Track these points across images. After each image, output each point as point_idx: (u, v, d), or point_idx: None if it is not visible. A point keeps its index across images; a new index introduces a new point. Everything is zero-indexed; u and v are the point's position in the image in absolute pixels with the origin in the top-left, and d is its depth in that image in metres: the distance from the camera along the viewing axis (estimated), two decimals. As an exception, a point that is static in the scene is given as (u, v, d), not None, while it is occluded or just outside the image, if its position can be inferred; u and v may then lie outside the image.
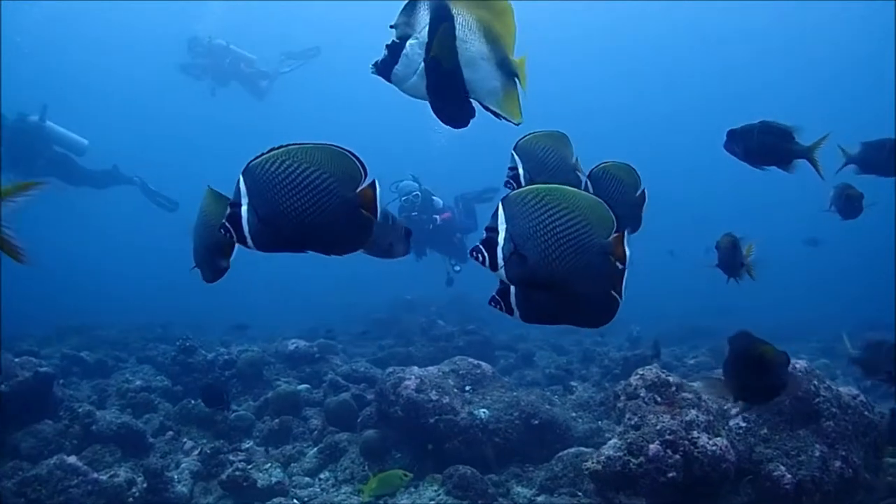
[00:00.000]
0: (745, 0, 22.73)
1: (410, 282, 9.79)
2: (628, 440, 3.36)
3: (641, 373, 3.65)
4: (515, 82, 2.12)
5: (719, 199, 26.26)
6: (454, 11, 2.02)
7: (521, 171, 2.42)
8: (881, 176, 4.11)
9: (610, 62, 27.87)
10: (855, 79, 24.66)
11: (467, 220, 8.40)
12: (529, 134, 2.46)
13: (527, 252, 1.91)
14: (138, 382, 6.42)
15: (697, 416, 3.49)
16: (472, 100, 2.15)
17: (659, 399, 3.58)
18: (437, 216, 7.97)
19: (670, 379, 3.65)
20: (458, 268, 8.28)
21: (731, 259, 3.76)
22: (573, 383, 5.96)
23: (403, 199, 7.94)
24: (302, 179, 1.91)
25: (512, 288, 2.05)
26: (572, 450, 4.64)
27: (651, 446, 3.29)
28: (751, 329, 3.19)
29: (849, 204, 4.36)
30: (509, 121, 2.14)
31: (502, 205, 1.93)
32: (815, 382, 3.85)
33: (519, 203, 1.91)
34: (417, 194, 7.91)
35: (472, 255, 1.98)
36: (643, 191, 2.52)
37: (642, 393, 3.57)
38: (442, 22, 2.01)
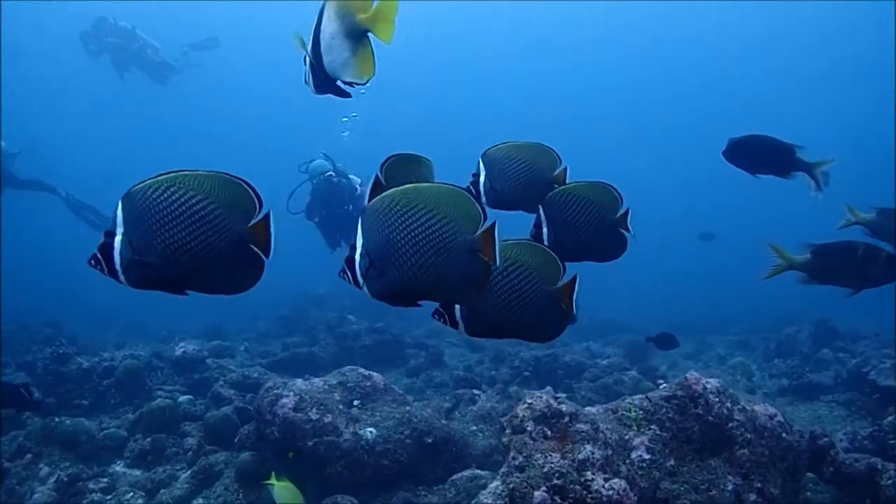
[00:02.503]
0: (745, 0, 22.31)
1: (323, 274, 9.06)
2: (510, 485, 2.79)
3: (530, 402, 3.07)
4: (367, 39, 2.09)
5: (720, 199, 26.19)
6: (325, 7, 2.08)
7: (481, 178, 2.38)
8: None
9: (609, 63, 27.42)
10: (855, 79, 24.39)
11: None
12: (501, 143, 2.40)
13: (382, 264, 1.75)
14: (4, 395, 5.65)
15: (593, 453, 2.94)
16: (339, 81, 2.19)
17: (549, 433, 3.01)
18: (358, 186, 7.25)
19: (563, 408, 3.08)
20: None
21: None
22: (476, 391, 5.39)
23: (316, 181, 7.15)
24: (187, 209, 1.67)
25: None
26: (467, 473, 4.07)
27: (536, 493, 2.72)
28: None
29: None
30: (357, 83, 2.15)
31: (360, 218, 1.79)
32: (729, 404, 3.34)
33: (373, 214, 1.75)
34: (332, 174, 7.12)
35: (340, 275, 1.84)
36: (627, 211, 2.34)
37: (529, 426, 3.00)
38: (316, 26, 2.09)
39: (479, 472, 4.09)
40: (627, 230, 2.36)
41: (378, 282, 1.79)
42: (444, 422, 4.53)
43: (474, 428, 4.84)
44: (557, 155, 2.43)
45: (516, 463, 2.89)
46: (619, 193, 2.33)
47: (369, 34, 2.07)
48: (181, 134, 29.09)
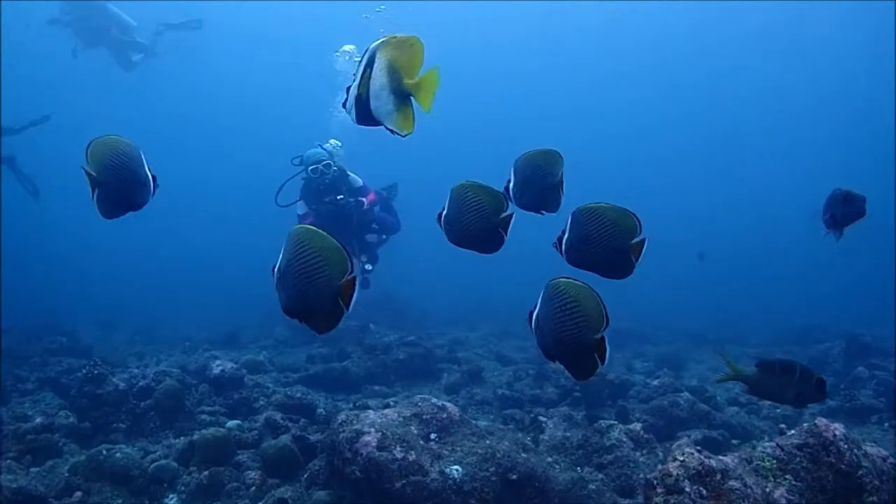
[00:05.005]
0: (745, 0, 21.99)
1: None
2: (681, 556, 2.53)
3: (682, 459, 2.80)
4: (410, 101, 2.37)
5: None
6: (377, 56, 2.34)
7: (511, 184, 2.75)
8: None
9: (609, 64, 27.06)
10: (855, 80, 24.16)
11: (392, 217, 7.23)
12: (526, 152, 2.74)
13: (281, 283, 2.11)
14: (38, 420, 5.19)
15: (751, 514, 2.70)
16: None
17: (705, 492, 2.75)
18: (364, 199, 6.72)
19: (714, 464, 2.83)
20: (369, 266, 6.92)
21: None
22: (542, 418, 5.10)
23: (311, 168, 6.55)
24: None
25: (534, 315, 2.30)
26: (560, 513, 3.80)
27: (712, 566, 2.47)
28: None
29: (848, 206, 3.74)
30: (398, 134, 2.39)
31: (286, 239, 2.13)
32: (856, 451, 3.17)
33: (288, 239, 2.10)
34: (329, 163, 6.54)
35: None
36: (643, 241, 2.47)
37: (686, 486, 2.73)
38: (366, 67, 2.36)
39: (573, 512, 3.82)
40: (637, 258, 2.48)
41: (280, 296, 2.13)
42: (524, 455, 4.24)
43: (550, 459, 4.55)
44: (561, 159, 2.72)
45: (679, 529, 2.63)
46: (639, 222, 2.45)
47: (411, 97, 2.37)
48: (166, 127, 28.33)
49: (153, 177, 2.51)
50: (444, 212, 2.67)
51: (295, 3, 23.91)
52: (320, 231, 2.10)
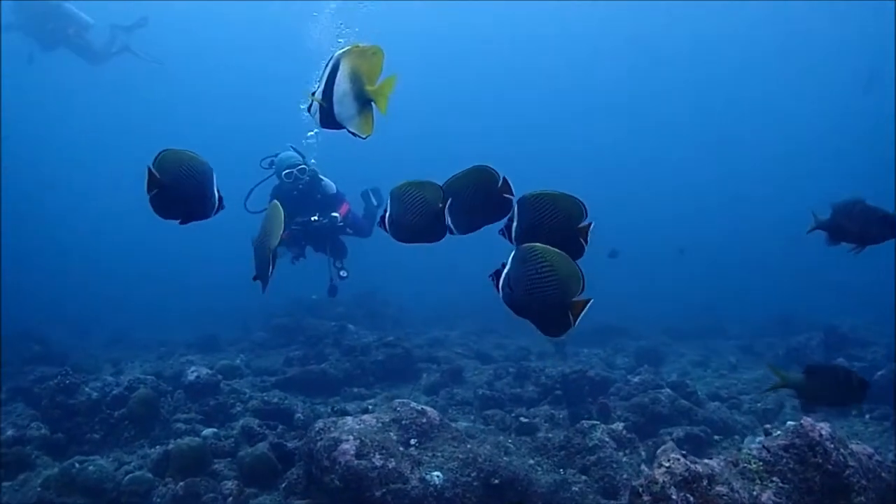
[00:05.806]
0: (743, 0, 21.86)
1: (312, 280, 8.36)
2: (669, 567, 2.44)
3: (668, 465, 2.72)
4: (371, 106, 2.54)
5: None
6: (341, 64, 2.50)
7: (446, 213, 2.68)
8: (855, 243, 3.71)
9: (604, 64, 26.91)
10: (854, 80, 24.11)
11: (366, 221, 7.00)
12: (459, 172, 2.71)
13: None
14: (10, 432, 5.05)
15: (740, 520, 2.62)
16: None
17: (692, 499, 2.67)
18: (337, 214, 6.47)
19: (700, 469, 2.75)
20: (344, 273, 6.57)
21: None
22: (523, 418, 5.01)
23: (285, 173, 6.19)
24: None
25: (503, 274, 2.42)
26: (544, 519, 3.71)
27: (701, 577, 2.38)
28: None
29: (886, 227, 3.61)
30: (358, 136, 2.57)
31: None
32: (843, 450, 3.10)
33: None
34: (304, 167, 6.22)
35: None
36: (589, 224, 2.52)
37: (673, 493, 2.65)
38: (330, 74, 2.52)
39: (557, 518, 3.73)
40: (585, 241, 2.53)
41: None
42: (506, 459, 4.15)
43: (532, 462, 4.46)
44: (496, 171, 2.69)
45: (667, 538, 2.54)
46: (585, 207, 2.51)
47: (372, 102, 2.54)
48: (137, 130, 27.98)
49: (220, 197, 2.68)
50: (388, 213, 2.75)
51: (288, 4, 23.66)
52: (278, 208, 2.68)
